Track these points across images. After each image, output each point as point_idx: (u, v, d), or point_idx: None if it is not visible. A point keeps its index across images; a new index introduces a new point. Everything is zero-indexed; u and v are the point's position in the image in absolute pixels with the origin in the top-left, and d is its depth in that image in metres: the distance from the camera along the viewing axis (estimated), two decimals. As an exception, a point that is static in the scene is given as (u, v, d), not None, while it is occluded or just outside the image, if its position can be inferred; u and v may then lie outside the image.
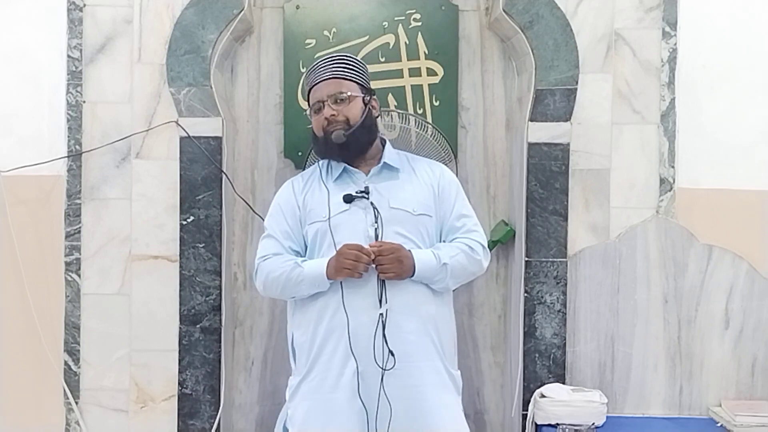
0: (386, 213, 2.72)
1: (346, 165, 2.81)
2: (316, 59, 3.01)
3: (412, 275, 2.69)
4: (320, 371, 2.73)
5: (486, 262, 2.88)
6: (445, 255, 2.74)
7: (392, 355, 2.65)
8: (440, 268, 2.72)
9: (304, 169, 3.13)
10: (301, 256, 2.80)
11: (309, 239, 2.79)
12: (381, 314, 2.66)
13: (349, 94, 2.79)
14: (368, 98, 2.84)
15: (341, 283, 2.68)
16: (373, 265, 2.66)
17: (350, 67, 2.85)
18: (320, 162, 2.89)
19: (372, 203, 2.71)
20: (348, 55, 2.93)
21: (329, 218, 2.72)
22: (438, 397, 2.75)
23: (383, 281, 2.67)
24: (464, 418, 2.85)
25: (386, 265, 2.65)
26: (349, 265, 2.63)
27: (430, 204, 2.81)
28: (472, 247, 2.81)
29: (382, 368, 2.64)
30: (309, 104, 2.88)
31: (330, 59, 2.86)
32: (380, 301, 2.67)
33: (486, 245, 2.88)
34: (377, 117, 2.90)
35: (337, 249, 2.68)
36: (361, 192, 2.72)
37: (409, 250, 2.70)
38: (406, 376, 2.68)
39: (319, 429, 2.71)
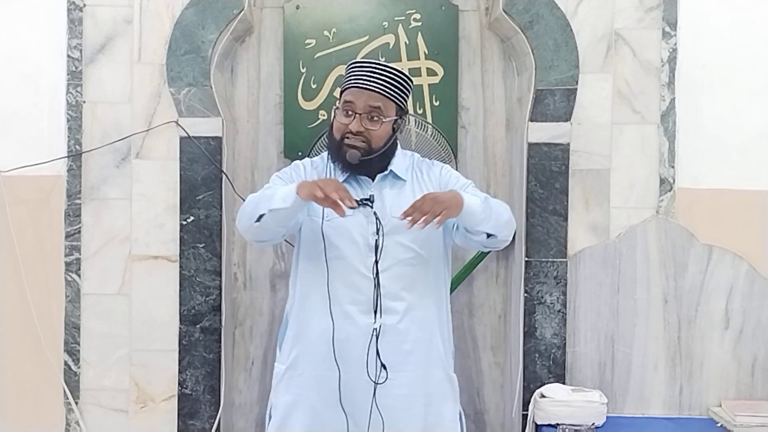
0: (388, 222, 2.67)
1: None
2: (363, 59, 2.88)
3: (460, 211, 2.54)
4: (307, 369, 2.71)
5: (513, 225, 2.73)
6: (480, 194, 2.66)
7: (384, 369, 2.62)
8: (483, 203, 2.59)
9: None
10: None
11: (305, 230, 2.74)
12: (375, 328, 2.63)
13: (383, 119, 2.67)
14: (400, 121, 2.73)
15: (328, 287, 2.65)
16: (372, 278, 2.62)
17: (396, 85, 2.70)
18: (329, 157, 2.85)
19: (375, 213, 2.66)
20: (400, 72, 2.73)
21: (323, 220, 2.67)
22: (437, 406, 2.73)
23: (379, 291, 2.64)
24: (461, 423, 2.84)
25: (429, 211, 2.48)
26: (321, 194, 2.46)
27: None
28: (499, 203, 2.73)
29: (374, 382, 2.62)
30: (340, 97, 2.72)
31: (383, 69, 2.69)
32: (375, 313, 2.64)
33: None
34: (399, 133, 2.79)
35: (329, 254, 2.65)
36: (365, 200, 2.69)
37: (452, 190, 2.59)
38: (402, 385, 2.66)
39: (300, 427, 2.70)
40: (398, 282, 2.67)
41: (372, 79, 2.67)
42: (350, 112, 2.67)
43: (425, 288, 2.73)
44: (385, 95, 2.67)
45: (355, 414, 2.65)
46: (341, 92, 2.72)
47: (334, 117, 2.74)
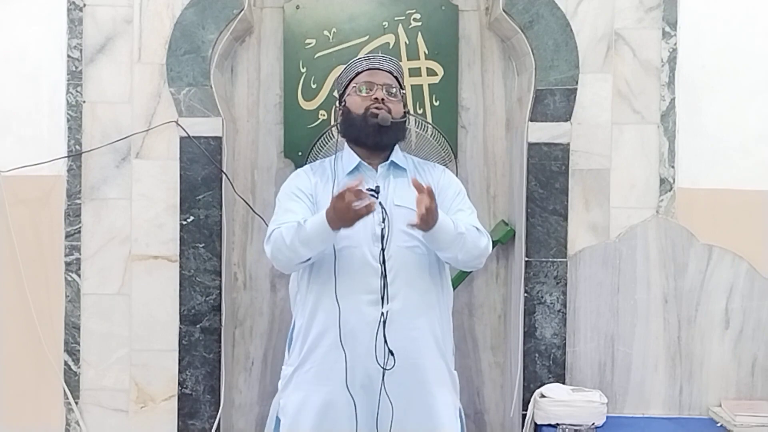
0: (392, 210, 2.75)
1: (360, 160, 2.84)
2: (370, 54, 3.19)
3: (429, 228, 2.64)
4: (315, 363, 2.75)
5: (484, 257, 2.84)
6: (461, 225, 2.73)
7: (392, 355, 2.66)
8: (456, 235, 2.69)
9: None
10: None
11: None
12: (382, 313, 2.67)
13: (399, 94, 2.88)
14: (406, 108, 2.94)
15: (335, 276, 2.69)
16: (378, 266, 2.68)
17: (401, 73, 2.97)
18: (329, 158, 2.93)
19: (381, 203, 2.72)
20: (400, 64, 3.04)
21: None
22: (442, 396, 2.78)
23: (385, 278, 2.69)
24: (461, 420, 2.86)
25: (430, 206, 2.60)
26: (348, 216, 2.56)
27: None
28: (479, 229, 2.80)
29: (383, 368, 2.65)
30: (345, 87, 2.90)
31: (391, 59, 2.95)
32: (382, 299, 2.68)
33: (489, 241, 2.85)
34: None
35: (336, 245, 2.69)
36: (372, 190, 2.73)
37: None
38: (410, 373, 2.70)
39: (312, 421, 2.72)
40: (403, 270, 2.73)
41: (385, 62, 2.90)
42: (370, 89, 2.84)
43: (428, 278, 2.79)
44: (396, 78, 2.89)
45: (364, 401, 2.68)
46: (350, 80, 2.88)
47: (342, 107, 2.88)
